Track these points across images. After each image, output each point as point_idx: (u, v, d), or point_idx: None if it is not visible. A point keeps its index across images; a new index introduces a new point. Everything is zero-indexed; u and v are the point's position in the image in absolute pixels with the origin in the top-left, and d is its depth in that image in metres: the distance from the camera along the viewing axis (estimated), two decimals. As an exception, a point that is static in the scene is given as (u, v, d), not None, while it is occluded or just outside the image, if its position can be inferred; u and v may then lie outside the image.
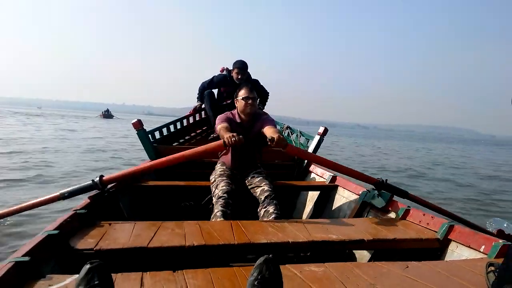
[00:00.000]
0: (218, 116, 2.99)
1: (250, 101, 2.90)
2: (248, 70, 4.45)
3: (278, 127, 4.65)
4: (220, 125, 2.80)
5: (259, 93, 4.41)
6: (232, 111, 3.05)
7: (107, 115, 60.99)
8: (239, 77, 4.30)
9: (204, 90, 4.64)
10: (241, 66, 4.31)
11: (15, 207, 2.26)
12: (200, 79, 4.86)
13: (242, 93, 2.93)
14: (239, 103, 2.95)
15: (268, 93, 4.77)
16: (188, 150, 2.45)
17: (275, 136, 2.46)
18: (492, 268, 1.30)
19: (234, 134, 2.42)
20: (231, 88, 4.27)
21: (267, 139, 2.50)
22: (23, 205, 2.26)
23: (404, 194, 2.61)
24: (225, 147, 2.43)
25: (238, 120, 2.97)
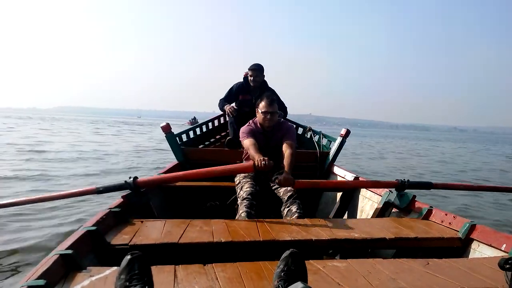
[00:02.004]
0: (242, 129, 3.05)
1: (269, 116, 2.93)
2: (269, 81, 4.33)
3: (301, 129, 4.71)
4: (246, 140, 2.87)
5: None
6: (254, 120, 3.11)
7: (194, 122, 63.86)
8: (253, 78, 4.21)
9: (223, 105, 4.40)
10: (255, 67, 4.21)
11: (56, 194, 2.50)
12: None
13: (262, 106, 2.95)
14: (259, 115, 3.00)
15: (286, 108, 4.49)
16: (218, 167, 2.53)
17: (281, 177, 2.55)
18: (509, 264, 1.33)
19: (266, 158, 2.47)
20: (249, 96, 4.27)
21: (275, 180, 2.63)
22: (64, 192, 2.51)
23: (428, 185, 2.70)
24: (254, 170, 2.48)
25: (260, 129, 3.02)
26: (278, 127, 3.07)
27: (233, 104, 4.36)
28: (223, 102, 4.42)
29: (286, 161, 2.75)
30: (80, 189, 2.48)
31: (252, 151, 2.72)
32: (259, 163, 2.44)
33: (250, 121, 3.12)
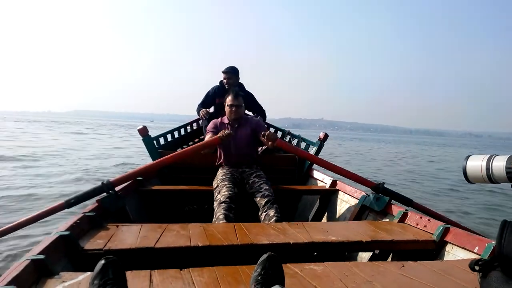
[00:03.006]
0: (207, 127, 3.26)
1: (234, 108, 3.16)
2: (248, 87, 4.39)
3: (280, 133, 4.73)
4: (207, 136, 3.12)
5: (250, 108, 4.40)
6: (222, 117, 3.32)
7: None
8: (226, 81, 4.27)
9: (200, 110, 4.38)
10: (228, 69, 4.28)
11: (18, 221, 2.20)
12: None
13: (228, 99, 3.18)
14: (226, 109, 3.21)
15: (264, 111, 4.54)
16: (188, 148, 2.65)
17: (267, 131, 2.89)
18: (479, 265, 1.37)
19: (223, 130, 2.88)
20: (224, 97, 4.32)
21: (261, 136, 2.90)
22: (26, 218, 2.22)
23: (408, 202, 2.72)
24: (221, 140, 2.84)
25: (227, 122, 3.23)
26: (245, 121, 3.29)
27: (211, 109, 4.37)
28: (200, 107, 4.43)
29: None
30: (46, 209, 2.24)
31: (210, 136, 3.03)
32: (222, 133, 2.84)
33: (216, 119, 3.32)
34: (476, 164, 1.16)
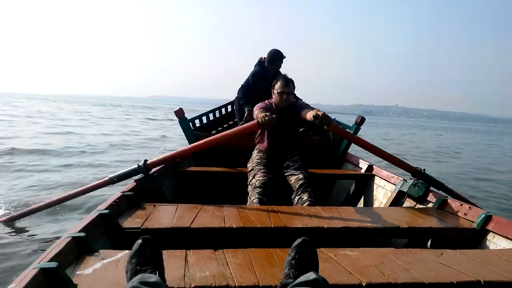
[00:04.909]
0: (257, 105, 3.03)
1: (285, 96, 2.93)
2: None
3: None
4: (257, 111, 2.82)
5: None
6: (269, 100, 3.08)
7: None
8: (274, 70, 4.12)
9: (246, 97, 4.18)
10: (276, 56, 4.10)
11: (69, 193, 2.49)
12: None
13: (277, 86, 2.96)
14: (275, 96, 2.99)
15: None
16: (224, 132, 2.62)
17: (320, 113, 2.47)
18: None
19: (268, 113, 2.45)
20: (266, 82, 4.06)
21: (312, 116, 2.51)
22: (76, 190, 2.49)
23: (440, 186, 2.62)
24: (259, 127, 2.50)
25: (275, 109, 2.99)
26: (292, 107, 3.03)
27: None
28: (242, 91, 4.25)
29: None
30: (93, 183, 2.51)
31: (258, 113, 2.67)
32: (262, 119, 2.41)
33: (266, 101, 3.08)
34: None
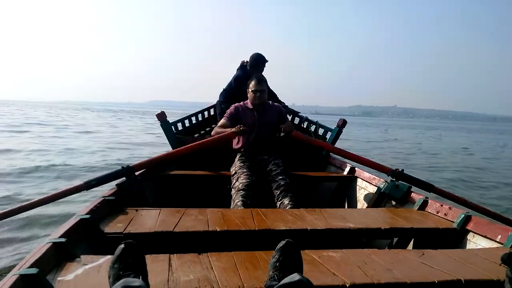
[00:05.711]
0: (232, 106, 3.25)
1: (258, 94, 3.11)
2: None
3: (297, 119, 4.69)
4: (222, 120, 3.22)
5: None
6: (245, 101, 3.27)
7: None
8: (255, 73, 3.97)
9: (227, 101, 4.08)
10: (255, 63, 4.03)
11: (36, 200, 2.18)
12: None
13: (251, 85, 3.14)
14: (249, 95, 3.17)
15: (276, 95, 4.35)
16: (205, 139, 2.81)
17: (284, 125, 3.09)
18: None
19: (240, 125, 2.91)
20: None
21: (282, 130, 3.05)
22: (44, 197, 2.19)
23: (429, 188, 2.63)
24: (236, 135, 2.94)
25: (251, 106, 3.19)
26: (268, 107, 3.27)
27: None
28: (224, 95, 4.20)
29: None
30: (64, 189, 2.25)
31: (222, 130, 3.04)
32: (237, 129, 2.89)
33: (242, 102, 3.29)
34: None
